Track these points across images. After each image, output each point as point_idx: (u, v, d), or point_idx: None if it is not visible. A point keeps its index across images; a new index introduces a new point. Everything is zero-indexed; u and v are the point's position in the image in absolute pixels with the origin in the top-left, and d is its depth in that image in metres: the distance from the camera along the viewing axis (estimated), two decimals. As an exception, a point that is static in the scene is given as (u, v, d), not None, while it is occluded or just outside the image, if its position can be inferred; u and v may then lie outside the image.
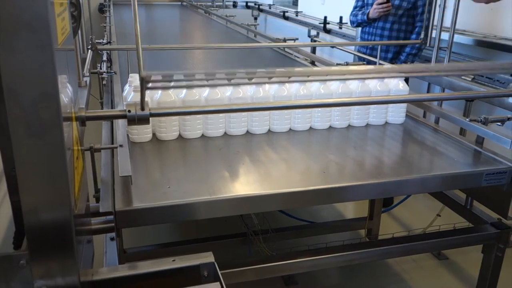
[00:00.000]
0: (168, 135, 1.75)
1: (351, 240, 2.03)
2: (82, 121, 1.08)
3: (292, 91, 1.87)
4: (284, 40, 3.90)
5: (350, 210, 3.19)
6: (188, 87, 1.65)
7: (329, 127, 1.95)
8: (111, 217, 1.23)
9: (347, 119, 1.96)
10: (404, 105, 2.04)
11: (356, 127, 1.98)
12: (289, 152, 1.71)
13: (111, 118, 1.69)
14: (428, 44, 2.68)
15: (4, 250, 0.96)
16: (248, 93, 1.82)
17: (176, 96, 1.75)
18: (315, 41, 5.00)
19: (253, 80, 1.45)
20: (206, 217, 1.39)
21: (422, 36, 2.73)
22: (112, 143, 1.65)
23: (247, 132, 1.85)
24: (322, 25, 5.06)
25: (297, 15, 6.02)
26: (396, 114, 2.03)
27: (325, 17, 5.03)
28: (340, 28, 4.95)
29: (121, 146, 1.45)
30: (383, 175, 1.55)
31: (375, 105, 1.97)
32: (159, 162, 1.62)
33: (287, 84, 1.88)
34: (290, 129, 1.90)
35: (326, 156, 1.69)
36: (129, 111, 1.12)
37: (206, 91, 1.78)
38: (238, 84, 1.78)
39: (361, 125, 1.99)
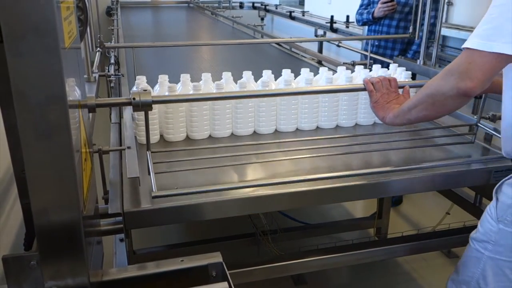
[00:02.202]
0: (175, 136, 1.76)
1: (360, 239, 2.03)
2: (93, 108, 1.19)
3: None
4: (291, 40, 3.90)
5: (358, 209, 3.18)
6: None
7: (336, 126, 1.94)
8: (120, 218, 1.24)
9: (354, 118, 1.95)
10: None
11: (363, 125, 1.97)
12: (296, 151, 1.71)
13: (118, 105, 1.77)
14: (416, 38, 2.71)
15: (15, 251, 0.97)
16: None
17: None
18: (321, 41, 4.99)
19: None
20: (214, 217, 1.39)
21: (410, 30, 2.76)
22: (120, 145, 1.67)
23: (254, 132, 1.85)
24: (329, 24, 5.05)
25: (303, 15, 6.02)
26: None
27: (332, 17, 5.02)
28: (347, 27, 4.94)
29: (129, 148, 1.46)
30: (391, 173, 1.55)
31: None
32: (167, 163, 1.63)
33: (293, 84, 1.88)
34: (297, 128, 1.90)
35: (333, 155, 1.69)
36: (134, 98, 1.26)
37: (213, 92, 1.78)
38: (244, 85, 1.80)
39: (368, 124, 1.98)
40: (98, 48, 2.58)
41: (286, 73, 1.93)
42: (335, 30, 5.02)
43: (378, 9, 3.13)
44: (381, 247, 1.84)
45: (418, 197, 3.26)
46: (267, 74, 1.94)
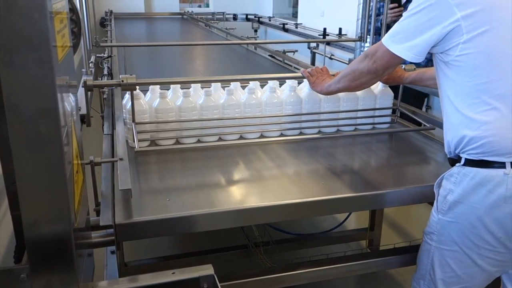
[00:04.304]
0: (165, 141, 1.83)
1: (352, 251, 2.04)
2: (90, 88, 1.68)
3: (283, 97, 1.96)
4: (284, 52, 3.93)
5: (351, 220, 3.18)
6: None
7: (319, 132, 2.01)
8: (111, 230, 1.24)
9: (335, 124, 2.04)
10: (389, 111, 2.13)
11: (345, 131, 2.05)
12: (287, 163, 1.74)
13: (111, 86, 2.05)
14: (364, 41, 2.81)
15: (5, 264, 0.96)
16: (241, 100, 1.91)
17: (174, 104, 1.83)
18: (314, 53, 5.03)
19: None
20: (206, 229, 1.39)
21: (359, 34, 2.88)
22: (112, 157, 1.67)
23: (245, 140, 1.90)
24: (321, 36, 5.09)
25: (296, 27, 6.07)
26: (382, 119, 2.12)
27: (325, 29, 5.07)
28: (339, 37, 4.98)
29: (121, 159, 1.46)
30: (382, 186, 1.56)
31: (362, 112, 2.08)
32: (158, 176, 1.64)
33: (278, 91, 1.98)
34: (281, 134, 1.96)
35: (318, 162, 1.70)
36: (122, 80, 1.67)
37: (201, 99, 1.86)
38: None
39: (349, 129, 2.06)
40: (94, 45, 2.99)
41: (272, 81, 2.05)
42: (327, 43, 5.06)
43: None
44: (373, 259, 1.84)
45: (410, 209, 3.27)
46: (254, 82, 2.05)
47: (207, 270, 1.07)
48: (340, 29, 4.97)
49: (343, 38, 3.93)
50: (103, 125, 2.20)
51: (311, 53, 5.14)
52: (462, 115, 1.35)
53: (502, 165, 1.30)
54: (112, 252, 1.33)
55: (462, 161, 1.38)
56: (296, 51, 4.33)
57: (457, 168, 1.40)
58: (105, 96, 2.39)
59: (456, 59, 1.32)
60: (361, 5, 3.02)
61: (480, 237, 1.36)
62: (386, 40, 1.41)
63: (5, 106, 0.74)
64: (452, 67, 1.35)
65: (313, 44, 5.38)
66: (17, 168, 0.77)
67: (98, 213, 1.38)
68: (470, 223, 1.36)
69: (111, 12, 6.45)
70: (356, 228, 2.86)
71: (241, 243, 2.33)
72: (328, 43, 5.03)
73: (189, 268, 1.07)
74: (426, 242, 1.51)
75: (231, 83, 2.02)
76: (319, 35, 5.17)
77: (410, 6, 1.37)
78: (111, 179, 1.53)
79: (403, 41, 1.36)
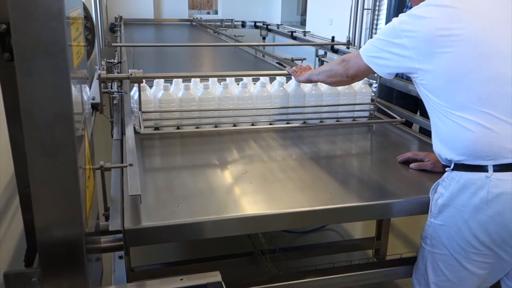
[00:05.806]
0: (168, 128, 2.07)
1: (358, 260, 2.03)
2: (103, 80, 1.91)
3: (272, 91, 2.21)
4: (292, 60, 3.95)
5: (357, 229, 3.18)
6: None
7: (304, 123, 2.25)
8: (120, 235, 1.24)
9: (318, 116, 2.28)
10: (367, 106, 2.37)
11: (328, 124, 2.27)
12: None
13: (121, 79, 2.25)
14: (353, 45, 2.90)
15: (13, 266, 0.97)
16: (235, 93, 2.15)
17: (175, 95, 2.09)
18: (322, 61, 5.04)
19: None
20: (214, 236, 1.40)
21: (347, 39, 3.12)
22: (122, 162, 1.68)
23: (238, 128, 2.14)
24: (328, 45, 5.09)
25: (305, 35, 6.07)
26: (361, 113, 2.35)
27: (333, 37, 5.07)
28: (348, 48, 4.98)
29: (131, 165, 1.47)
30: (391, 197, 1.56)
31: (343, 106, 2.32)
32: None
33: (268, 86, 2.24)
34: (270, 124, 2.20)
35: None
36: (131, 74, 1.89)
37: (200, 92, 2.11)
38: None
39: (331, 122, 2.29)
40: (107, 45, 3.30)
41: (263, 77, 2.27)
42: (335, 51, 5.06)
43: None
44: (379, 269, 1.83)
45: (417, 218, 3.25)
46: (247, 78, 2.27)
47: (215, 277, 1.07)
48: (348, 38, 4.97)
49: (335, 41, 4.07)
50: (112, 130, 2.22)
51: (319, 61, 5.14)
52: (441, 126, 1.45)
53: (484, 168, 1.36)
54: (120, 257, 1.33)
55: (452, 166, 1.45)
56: (304, 59, 4.32)
57: (447, 172, 1.47)
58: (115, 102, 2.41)
59: (421, 82, 1.45)
60: (353, 11, 3.17)
61: (466, 241, 1.40)
62: (361, 50, 1.59)
63: (21, 112, 0.75)
64: (422, 88, 1.47)
65: (321, 52, 5.38)
66: (31, 173, 0.78)
67: (107, 218, 1.39)
68: (457, 226, 1.41)
69: (120, 18, 6.50)
70: (362, 237, 2.85)
71: (247, 250, 2.32)
72: (336, 51, 5.04)
73: (197, 275, 1.07)
74: (422, 246, 1.56)
75: (227, 78, 2.25)
76: (327, 43, 5.17)
77: (383, 28, 1.55)
78: (120, 184, 1.54)
79: (371, 53, 1.54)
